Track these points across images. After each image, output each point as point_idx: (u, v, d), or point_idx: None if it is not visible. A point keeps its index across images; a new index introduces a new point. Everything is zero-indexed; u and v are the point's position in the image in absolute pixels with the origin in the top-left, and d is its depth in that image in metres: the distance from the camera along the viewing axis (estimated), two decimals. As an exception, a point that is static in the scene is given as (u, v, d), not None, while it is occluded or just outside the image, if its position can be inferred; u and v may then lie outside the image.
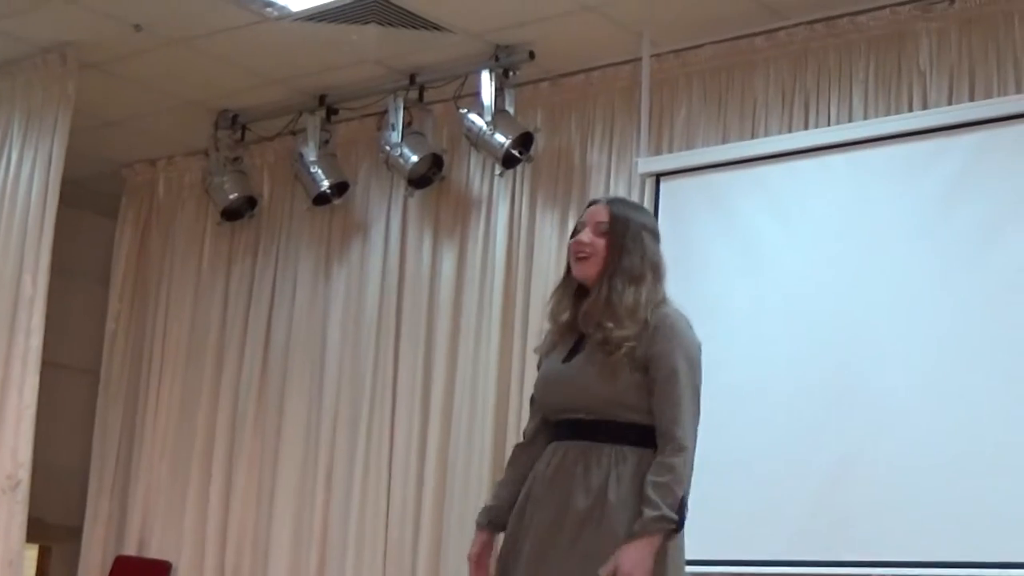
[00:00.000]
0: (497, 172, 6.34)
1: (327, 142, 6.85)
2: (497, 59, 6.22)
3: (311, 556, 6.64)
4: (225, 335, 7.27)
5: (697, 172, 5.84)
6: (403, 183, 6.60)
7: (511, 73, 6.24)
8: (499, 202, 6.45)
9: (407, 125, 6.54)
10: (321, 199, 6.86)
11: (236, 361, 7.18)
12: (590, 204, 3.51)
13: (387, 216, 6.82)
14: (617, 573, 3.09)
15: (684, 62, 6.06)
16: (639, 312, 3.29)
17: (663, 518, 3.14)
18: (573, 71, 6.35)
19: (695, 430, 3.27)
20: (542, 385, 3.47)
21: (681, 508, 3.18)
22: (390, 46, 6.28)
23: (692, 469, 3.22)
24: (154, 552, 7.14)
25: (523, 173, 6.39)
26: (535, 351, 3.57)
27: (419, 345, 6.55)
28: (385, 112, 6.57)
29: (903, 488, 5.01)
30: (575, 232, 3.45)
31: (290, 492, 6.80)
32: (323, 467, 6.72)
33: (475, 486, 6.15)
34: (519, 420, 6.07)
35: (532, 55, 6.20)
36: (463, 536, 6.04)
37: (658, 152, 6.03)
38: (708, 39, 5.98)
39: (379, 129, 6.65)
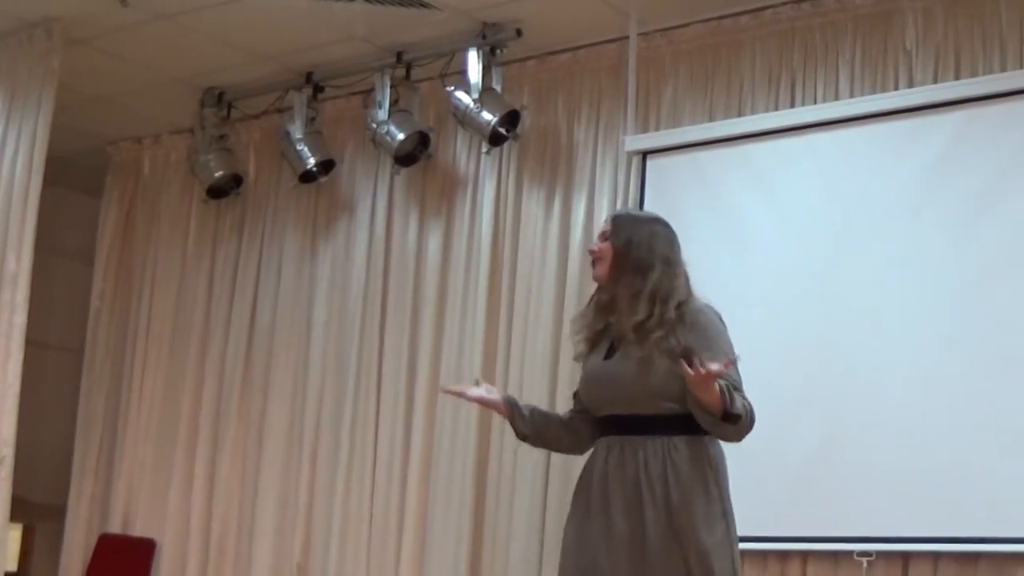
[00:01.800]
0: (484, 150, 6.34)
1: (313, 120, 6.83)
2: (484, 37, 6.22)
3: (295, 536, 6.64)
4: (211, 314, 7.27)
5: (683, 150, 5.85)
6: (389, 161, 6.59)
7: (498, 51, 6.24)
8: (485, 180, 6.44)
9: (394, 103, 6.52)
10: (307, 177, 6.85)
11: (221, 340, 7.17)
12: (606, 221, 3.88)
13: (373, 194, 6.81)
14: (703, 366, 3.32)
15: (671, 41, 6.07)
16: (644, 294, 3.57)
17: (735, 407, 3.42)
18: (560, 49, 6.35)
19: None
20: (586, 384, 3.75)
21: (739, 416, 3.44)
22: (377, 23, 6.28)
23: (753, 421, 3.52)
24: (139, 530, 7.14)
25: (510, 151, 6.39)
26: (575, 359, 3.84)
27: (405, 325, 6.55)
28: (372, 90, 6.56)
29: (888, 465, 5.04)
30: None
31: (275, 472, 6.80)
32: (308, 447, 6.71)
33: (460, 468, 6.16)
34: None
35: (519, 33, 6.20)
36: (448, 516, 6.14)
37: (645, 130, 6.04)
38: (695, 18, 5.98)
39: (366, 107, 6.65)
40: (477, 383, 3.90)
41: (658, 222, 3.80)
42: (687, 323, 3.56)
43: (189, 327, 7.30)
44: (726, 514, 3.56)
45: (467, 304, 6.37)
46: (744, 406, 3.47)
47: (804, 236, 5.48)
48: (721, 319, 3.67)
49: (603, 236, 3.77)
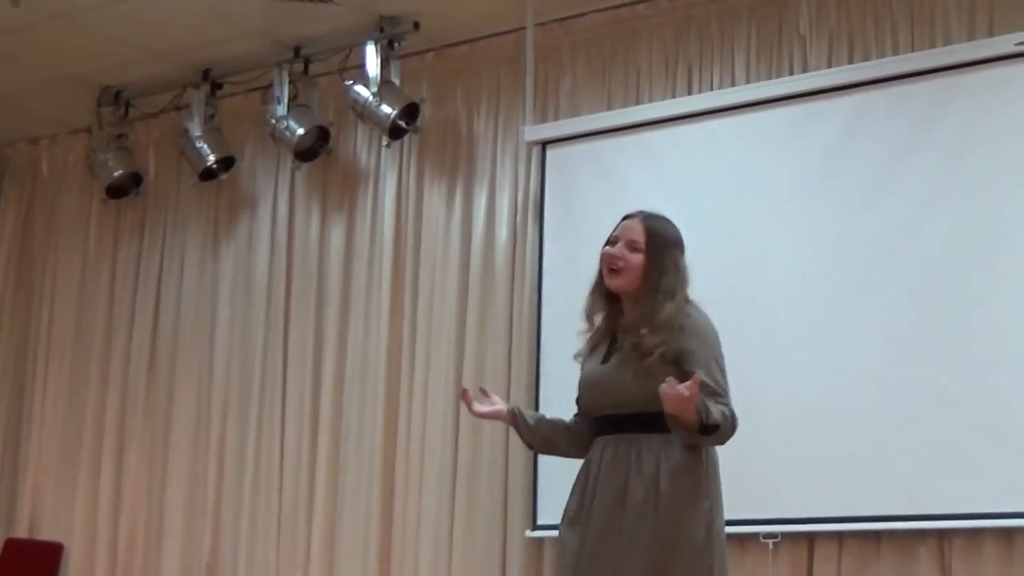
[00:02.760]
0: (384, 144, 6.34)
1: (212, 117, 6.79)
2: (382, 30, 6.19)
3: (204, 536, 6.60)
4: (113, 315, 7.20)
5: (583, 139, 5.86)
6: (290, 157, 6.56)
7: (396, 44, 6.21)
8: (386, 173, 6.43)
9: (293, 98, 6.49)
10: (208, 174, 6.80)
11: (125, 341, 7.11)
12: (625, 218, 3.74)
13: (274, 190, 6.79)
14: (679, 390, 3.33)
15: (568, 31, 6.07)
16: (672, 322, 3.55)
17: (711, 421, 3.42)
18: (458, 41, 6.33)
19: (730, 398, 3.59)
20: (584, 386, 3.75)
21: (717, 426, 3.46)
22: (274, 19, 6.22)
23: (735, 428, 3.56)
24: (45, 534, 7.06)
25: (410, 144, 6.38)
26: (575, 358, 3.80)
27: (309, 321, 6.53)
28: (270, 85, 6.53)
29: (792, 446, 5.09)
30: (609, 241, 3.70)
31: (182, 472, 6.76)
32: (215, 447, 6.68)
33: (367, 461, 6.16)
34: (410, 393, 6.13)
35: (417, 26, 6.17)
36: (357, 513, 6.12)
37: (544, 120, 6.06)
38: (592, 7, 5.99)
39: (264, 103, 6.62)
40: (484, 392, 3.93)
41: (676, 228, 3.76)
42: (678, 326, 3.57)
43: (92, 329, 7.22)
44: (712, 511, 3.56)
45: (371, 299, 6.34)
46: (723, 413, 3.49)
47: (703, 223, 5.38)
48: (708, 319, 3.66)
49: (632, 245, 3.65)
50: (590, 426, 3.77)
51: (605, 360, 3.67)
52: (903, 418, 4.93)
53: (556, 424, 3.88)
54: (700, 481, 3.55)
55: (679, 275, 3.65)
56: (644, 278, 3.62)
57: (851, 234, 5.15)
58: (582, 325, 3.77)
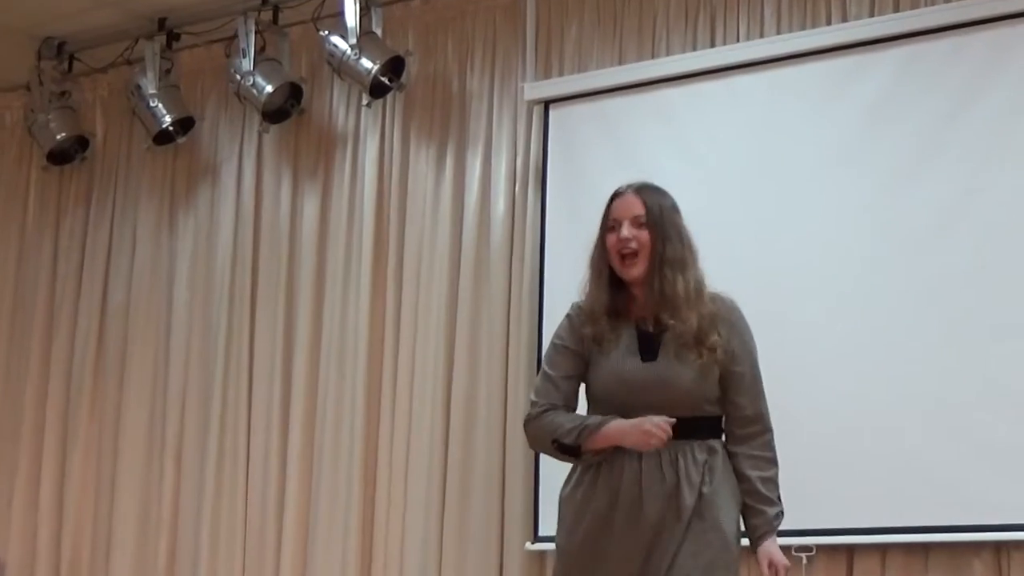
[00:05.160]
0: (364, 103, 6.32)
1: (168, 72, 6.80)
2: (362, -27, 6.22)
3: (160, 549, 6.62)
4: (55, 297, 7.20)
5: (590, 98, 5.86)
6: (257, 117, 6.56)
7: (378, -11, 6.24)
8: (367, 137, 6.43)
9: (260, 51, 6.49)
10: (163, 137, 6.81)
11: (69, 327, 7.12)
12: (614, 196, 3.75)
13: (239, 156, 6.80)
14: (775, 569, 3.62)
15: (575, -25, 6.09)
16: (692, 297, 3.62)
17: (781, 513, 3.67)
18: (449, -14, 6.35)
19: None
20: (617, 385, 3.67)
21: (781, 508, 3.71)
22: (238, -41, 6.26)
23: None
24: (-22, 550, 7.05)
25: (394, 103, 6.38)
26: (556, 339, 3.76)
27: (279, 304, 6.53)
28: (234, 36, 6.52)
29: (828, 451, 5.09)
30: (609, 228, 3.70)
31: (134, 478, 6.77)
32: (171, 448, 6.69)
33: (344, 464, 6.16)
34: (394, 388, 6.14)
35: (401, -33, 6.19)
36: (334, 519, 6.13)
37: (546, 77, 6.05)
38: (601, -54, 5.98)
39: (228, 56, 6.61)
40: None
41: (667, 193, 3.79)
42: (724, 319, 3.65)
43: (31, 311, 7.23)
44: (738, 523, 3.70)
45: (349, 278, 6.34)
46: (776, 478, 3.72)
47: (727, 192, 5.48)
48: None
49: (637, 222, 3.67)
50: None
51: (647, 358, 3.65)
52: (955, 415, 4.93)
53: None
54: (736, 490, 3.67)
55: (685, 243, 3.70)
56: (652, 253, 3.66)
57: (901, 205, 5.14)
58: (586, 329, 3.71)
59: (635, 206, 3.68)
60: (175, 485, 6.63)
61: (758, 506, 3.63)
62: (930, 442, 4.95)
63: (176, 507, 6.61)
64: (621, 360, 3.68)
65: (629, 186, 3.75)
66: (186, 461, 6.63)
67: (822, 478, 5.06)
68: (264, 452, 6.43)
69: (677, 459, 3.60)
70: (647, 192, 3.73)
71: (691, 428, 3.60)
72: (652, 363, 3.64)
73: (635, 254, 3.66)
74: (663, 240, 3.65)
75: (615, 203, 3.73)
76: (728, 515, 3.61)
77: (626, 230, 3.66)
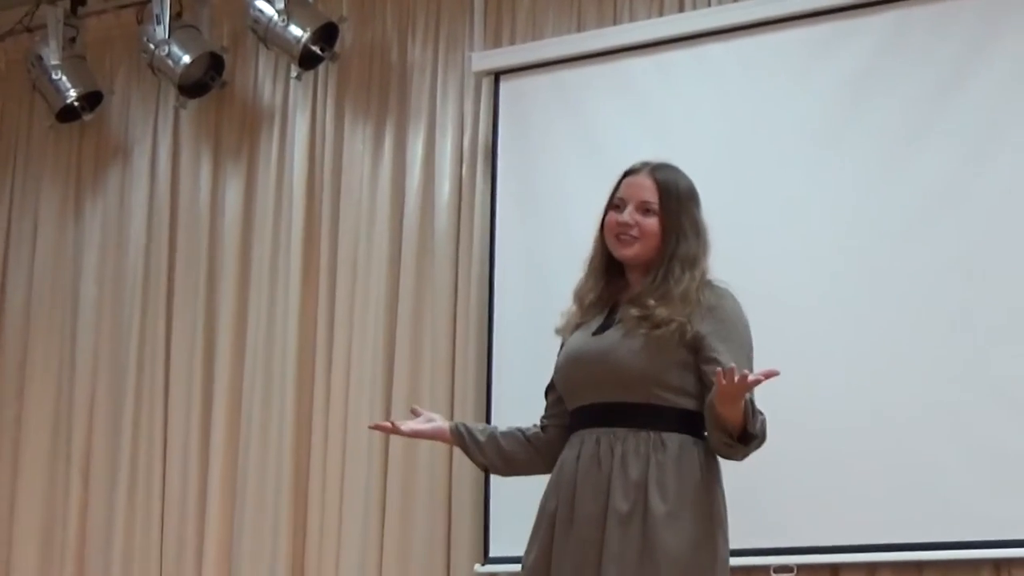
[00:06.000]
0: (293, 75, 6.32)
1: (73, 41, 6.72)
2: (284, -74, 6.23)
3: (65, 573, 6.52)
4: (-55, 294, 7.15)
5: (546, 68, 5.86)
6: (173, 92, 6.52)
7: (308, -53, 6.25)
8: (297, 112, 6.42)
9: (176, 17, 6.44)
10: (68, 114, 6.72)
11: (-41, 328, 7.06)
12: (627, 173, 3.77)
13: (154, 134, 6.75)
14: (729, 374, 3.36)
15: (528, -69, 6.11)
16: (691, 295, 3.61)
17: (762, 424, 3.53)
18: (386, -56, 6.34)
19: None
20: (565, 363, 3.76)
21: (757, 434, 3.54)
22: (149, -86, 6.20)
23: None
24: None
25: (326, 75, 6.36)
26: (556, 332, 3.84)
27: (198, 301, 6.48)
28: (148, 1, 6.44)
29: (810, 462, 5.05)
30: (613, 206, 3.73)
31: (35, 498, 6.68)
32: (78, 464, 6.61)
33: (272, 479, 6.10)
34: (327, 393, 6.12)
35: (333, -77, 6.23)
36: (259, 541, 6.08)
37: (496, 46, 6.06)
38: (557, -101, 6.02)
39: (140, 23, 6.53)
40: (413, 413, 3.97)
41: (687, 176, 3.80)
42: (703, 305, 3.62)
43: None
44: (718, 531, 3.62)
45: (277, 272, 6.31)
46: (762, 423, 3.55)
47: (695, 172, 5.16)
48: (737, 301, 3.72)
49: (644, 207, 3.68)
50: (560, 430, 3.79)
51: (599, 331, 3.68)
52: (951, 420, 4.89)
53: (513, 436, 3.91)
54: (701, 498, 3.58)
55: (700, 240, 3.70)
56: (661, 246, 3.67)
57: (886, 183, 5.11)
58: (571, 306, 3.79)
59: (646, 190, 3.69)
60: (81, 506, 6.55)
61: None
62: (924, 451, 4.90)
63: (83, 531, 6.53)
64: (578, 338, 3.75)
65: (645, 164, 3.76)
66: (94, 479, 6.54)
67: (803, 490, 5.06)
68: (183, 468, 6.35)
69: (612, 449, 3.57)
70: (663, 175, 3.74)
71: (632, 414, 3.57)
72: (599, 336, 3.68)
73: (634, 241, 3.69)
74: (677, 235, 3.66)
75: (625, 181, 3.74)
76: (678, 535, 3.50)
77: (628, 214, 3.68)
